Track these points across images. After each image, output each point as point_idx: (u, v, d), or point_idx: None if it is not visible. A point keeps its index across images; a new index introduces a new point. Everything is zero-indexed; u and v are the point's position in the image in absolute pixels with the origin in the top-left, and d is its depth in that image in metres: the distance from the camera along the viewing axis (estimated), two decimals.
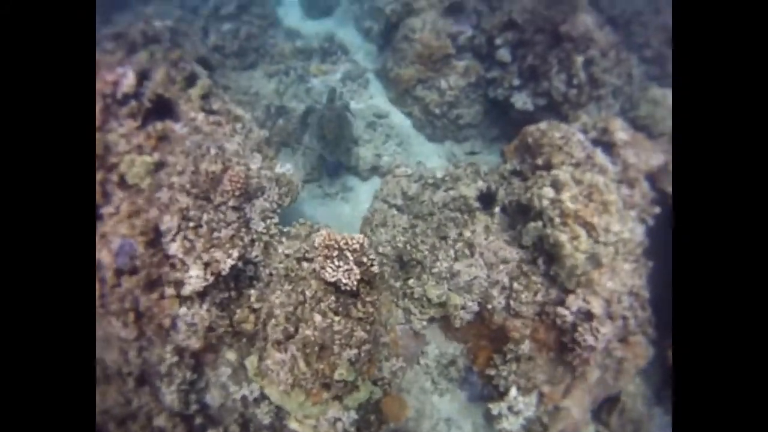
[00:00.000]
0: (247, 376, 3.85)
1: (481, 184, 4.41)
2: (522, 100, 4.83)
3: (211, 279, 3.51)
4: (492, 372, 3.90)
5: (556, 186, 3.68)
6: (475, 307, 3.96)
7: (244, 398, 3.87)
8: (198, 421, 3.89)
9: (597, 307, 3.59)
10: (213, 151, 4.02)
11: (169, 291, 3.59)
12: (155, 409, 3.89)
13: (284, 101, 5.46)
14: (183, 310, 3.61)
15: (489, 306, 3.90)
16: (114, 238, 3.52)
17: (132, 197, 3.69)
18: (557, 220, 3.59)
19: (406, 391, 4.21)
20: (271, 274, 3.89)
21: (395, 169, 4.90)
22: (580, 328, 3.56)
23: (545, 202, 3.66)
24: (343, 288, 3.54)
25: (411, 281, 4.14)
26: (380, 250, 4.31)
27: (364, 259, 3.51)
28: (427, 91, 5.39)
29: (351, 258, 3.50)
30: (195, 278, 3.49)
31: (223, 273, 3.56)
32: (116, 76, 3.95)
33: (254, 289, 3.86)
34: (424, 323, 4.17)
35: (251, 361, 3.76)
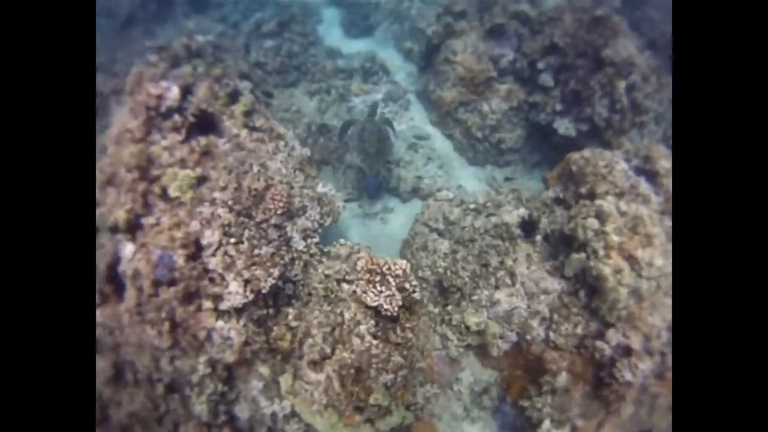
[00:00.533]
0: (278, 393, 3.85)
1: (522, 211, 4.36)
2: (564, 126, 4.79)
3: (251, 296, 3.54)
4: (526, 403, 3.82)
5: (601, 217, 3.61)
6: (514, 337, 3.90)
7: (273, 414, 3.88)
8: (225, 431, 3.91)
9: (636, 342, 3.51)
10: (256, 168, 4.06)
11: (207, 304, 3.62)
12: (183, 417, 3.92)
13: (325, 119, 5.51)
14: (220, 323, 3.64)
15: (528, 337, 3.83)
16: (154, 249, 3.57)
17: (173, 210, 3.74)
18: (601, 252, 3.52)
19: (437, 417, 4.15)
20: (310, 294, 3.90)
21: (437, 192, 4.89)
22: (618, 364, 3.49)
23: (589, 234, 3.60)
24: (383, 313, 3.52)
25: (450, 307, 4.10)
26: (420, 274, 4.29)
27: (407, 285, 3.49)
28: (469, 114, 5.38)
29: (393, 283, 3.49)
30: (235, 294, 3.52)
31: (263, 291, 3.58)
32: (161, 89, 4.03)
33: (292, 308, 3.87)
34: (461, 350, 4.12)
35: (285, 379, 3.76)
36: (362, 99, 6.02)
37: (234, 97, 4.60)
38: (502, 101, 5.24)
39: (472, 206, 4.61)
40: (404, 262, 3.54)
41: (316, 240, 4.15)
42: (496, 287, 4.00)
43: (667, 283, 3.58)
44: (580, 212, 3.81)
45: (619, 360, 3.44)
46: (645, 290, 3.49)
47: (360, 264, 3.61)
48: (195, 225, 3.65)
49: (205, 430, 3.87)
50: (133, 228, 3.76)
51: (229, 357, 3.69)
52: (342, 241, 4.30)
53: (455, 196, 4.71)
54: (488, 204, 4.53)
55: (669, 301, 3.63)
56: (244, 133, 4.29)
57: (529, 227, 4.34)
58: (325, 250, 4.17)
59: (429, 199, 4.82)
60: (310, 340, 3.72)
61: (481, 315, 3.99)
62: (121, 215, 3.67)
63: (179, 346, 3.74)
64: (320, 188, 4.41)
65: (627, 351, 3.47)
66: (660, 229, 3.55)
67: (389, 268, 3.52)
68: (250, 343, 3.72)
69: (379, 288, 3.47)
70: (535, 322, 3.82)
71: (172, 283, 3.57)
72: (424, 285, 4.26)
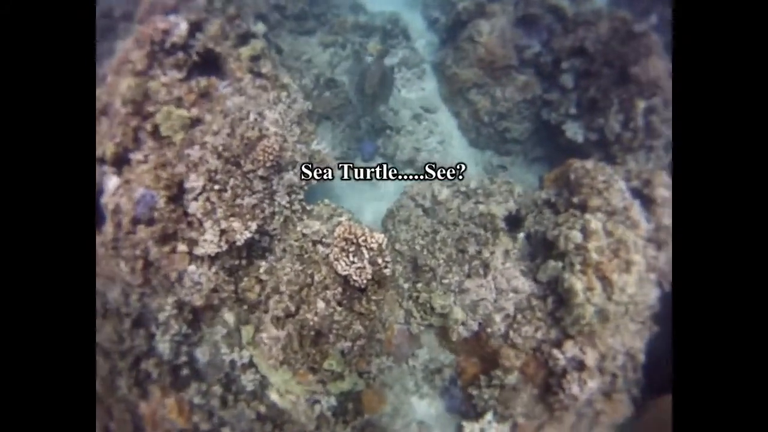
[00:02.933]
0: (239, 342, 3.93)
1: (512, 204, 4.34)
2: (574, 130, 4.70)
3: (224, 247, 3.54)
4: (474, 391, 3.91)
5: (586, 232, 3.60)
6: (475, 327, 3.96)
7: (232, 362, 3.97)
8: (184, 372, 4.00)
9: (591, 359, 3.57)
10: (252, 117, 3.99)
11: (182, 247, 3.64)
12: (145, 353, 4.01)
13: (335, 74, 5.37)
14: (192, 267, 3.66)
15: (488, 329, 3.89)
16: (137, 187, 3.55)
17: (162, 149, 3.71)
18: (578, 267, 3.54)
19: (388, 387, 4.25)
20: (284, 250, 3.92)
21: (430, 169, 4.84)
22: (569, 376, 3.56)
23: (570, 246, 3.60)
24: (351, 283, 3.55)
25: (419, 285, 4.13)
26: (397, 247, 4.29)
27: (379, 260, 3.50)
28: (481, 96, 5.26)
29: (367, 256, 3.50)
30: (209, 243, 3.53)
31: (238, 244, 3.59)
32: (168, 24, 3.91)
33: (265, 261, 3.89)
34: (422, 328, 4.18)
35: (247, 330, 3.83)
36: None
37: (245, 39, 4.46)
38: (517, 91, 5.11)
39: (462, 189, 4.57)
40: (381, 236, 3.53)
41: (300, 197, 4.13)
42: (468, 276, 4.02)
43: (636, 310, 3.62)
44: (567, 221, 3.79)
45: (570, 373, 3.51)
46: (611, 313, 3.53)
47: (338, 231, 3.60)
48: (181, 167, 3.62)
49: (165, 368, 3.97)
50: (120, 162, 3.73)
51: (197, 301, 3.75)
52: (326, 201, 4.28)
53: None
54: (479, 191, 4.49)
55: (634, 327, 3.69)
56: (247, 78, 4.18)
57: (514, 223, 4.32)
58: (308, 208, 4.16)
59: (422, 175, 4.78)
60: (276, 296, 3.77)
61: (447, 299, 4.02)
62: (110, 147, 3.64)
63: (150, 285, 3.79)
64: (314, 145, 4.34)
65: (580, 366, 3.53)
66: (641, 258, 3.55)
67: (365, 240, 3.51)
68: (219, 290, 3.76)
69: (351, 258, 3.48)
70: (498, 317, 3.86)
71: (151, 222, 3.58)
72: (399, 259, 4.27)
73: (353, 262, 3.48)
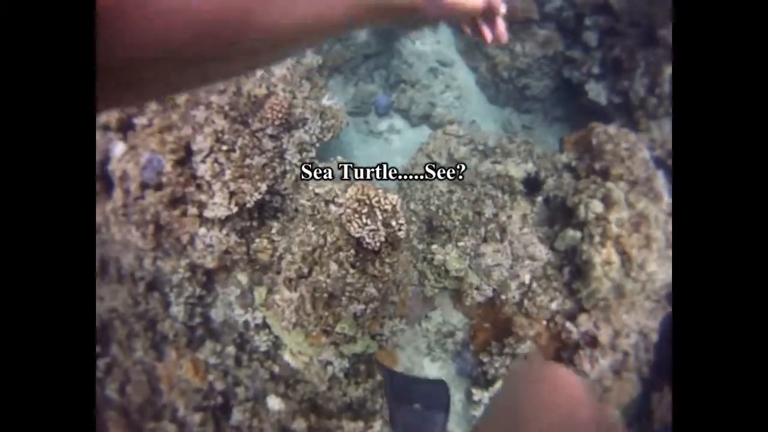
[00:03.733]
0: (253, 302, 3.91)
1: (531, 166, 4.19)
2: (597, 91, 4.46)
3: (234, 209, 3.46)
4: (486, 358, 3.90)
5: (607, 202, 3.46)
6: (489, 293, 3.89)
7: (246, 323, 3.97)
8: (199, 332, 4.01)
9: (605, 335, 3.51)
10: (259, 73, 3.82)
11: (192, 210, 3.56)
12: (161, 315, 4.01)
13: None
14: (203, 230, 3.59)
15: (503, 296, 3.83)
16: (143, 151, 3.44)
17: (167, 111, 3.56)
18: (597, 239, 3.42)
19: (400, 348, 4.26)
20: (296, 210, 3.82)
21: (447, 125, 4.66)
22: (581, 351, 3.51)
23: (591, 216, 3.47)
24: (364, 245, 3.47)
25: (434, 247, 4.04)
26: (411, 206, 4.18)
27: (393, 222, 3.40)
28: (499, 50, 4.99)
29: (380, 218, 3.40)
30: (218, 206, 3.44)
31: (248, 206, 3.50)
32: None
33: (277, 222, 3.80)
34: (436, 291, 4.13)
35: (260, 292, 3.79)
36: None
37: None
38: (538, 47, 4.82)
39: (480, 147, 4.42)
40: (395, 197, 3.42)
41: (312, 154, 4.00)
42: (485, 239, 3.93)
43: (653, 288, 3.53)
44: (588, 188, 3.65)
45: (582, 348, 3.46)
46: (628, 289, 3.44)
47: (350, 191, 3.50)
48: (187, 129, 3.49)
49: (180, 328, 3.98)
50: (124, 127, 3.61)
51: (210, 263, 3.69)
52: (339, 158, 4.15)
53: (466, 133, 4.49)
54: (497, 150, 4.33)
55: (649, 305, 3.61)
56: None
57: (533, 185, 4.19)
58: (321, 166, 4.03)
59: (438, 129, 4.61)
60: (289, 257, 3.70)
61: (463, 262, 3.95)
62: (113, 114, 3.51)
63: (162, 248, 3.74)
64: (325, 101, 4.17)
65: (593, 342, 3.47)
66: (662, 234, 3.43)
67: (378, 201, 3.41)
68: (231, 252, 3.70)
69: (364, 220, 3.38)
70: (513, 284, 3.79)
71: (159, 187, 3.49)
72: (414, 218, 4.17)
73: (366, 224, 3.38)
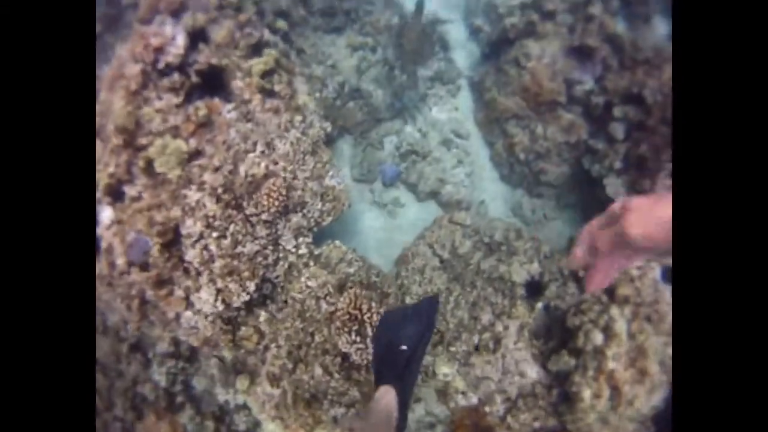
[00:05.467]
0: (234, 386, 3.85)
1: (535, 267, 4.04)
2: (615, 188, 4.24)
3: (221, 308, 3.36)
4: None
5: (608, 334, 3.32)
6: (474, 401, 3.79)
7: (226, 402, 3.93)
8: (179, 399, 3.98)
9: None
10: (259, 149, 3.67)
11: (178, 293, 3.47)
12: (142, 377, 3.97)
13: (361, 83, 4.87)
14: (188, 314, 3.51)
15: (487, 408, 3.72)
16: (129, 230, 3.33)
17: (157, 188, 3.43)
18: (590, 373, 3.29)
19: None
20: (286, 302, 3.72)
21: (455, 213, 4.47)
22: None
23: (588, 347, 3.33)
24: (350, 360, 3.38)
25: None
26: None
27: None
28: (520, 129, 4.77)
29: (370, 334, 3.30)
30: (204, 303, 3.34)
31: (234, 306, 3.41)
32: (162, 40, 3.49)
33: (265, 311, 3.71)
34: (422, 389, 4.03)
35: (242, 381, 3.72)
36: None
37: (257, 49, 4.02)
38: (560, 132, 4.59)
39: (486, 240, 4.25)
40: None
41: (308, 240, 3.88)
42: (476, 348, 3.81)
43: (639, 415, 3.41)
44: (591, 309, 3.50)
45: None
46: (612, 420, 3.34)
47: (344, 300, 3.40)
48: (177, 211, 3.37)
49: (161, 392, 3.94)
50: (114, 193, 3.49)
51: (194, 342, 3.62)
52: (337, 243, 4.01)
53: (471, 224, 4.32)
54: (503, 247, 4.17)
55: (632, 427, 3.49)
56: (256, 99, 3.80)
57: (535, 289, 4.04)
58: (316, 252, 3.90)
59: (444, 217, 4.42)
60: (274, 350, 3.62)
61: (452, 367, 3.84)
62: (103, 178, 3.38)
63: (147, 319, 3.67)
64: (328, 180, 4.01)
65: None
66: (657, 368, 3.28)
67: (370, 317, 3.31)
68: (216, 337, 3.63)
69: (353, 337, 3.28)
70: (499, 398, 3.68)
71: (145, 267, 3.38)
72: None
73: (355, 342, 3.29)
